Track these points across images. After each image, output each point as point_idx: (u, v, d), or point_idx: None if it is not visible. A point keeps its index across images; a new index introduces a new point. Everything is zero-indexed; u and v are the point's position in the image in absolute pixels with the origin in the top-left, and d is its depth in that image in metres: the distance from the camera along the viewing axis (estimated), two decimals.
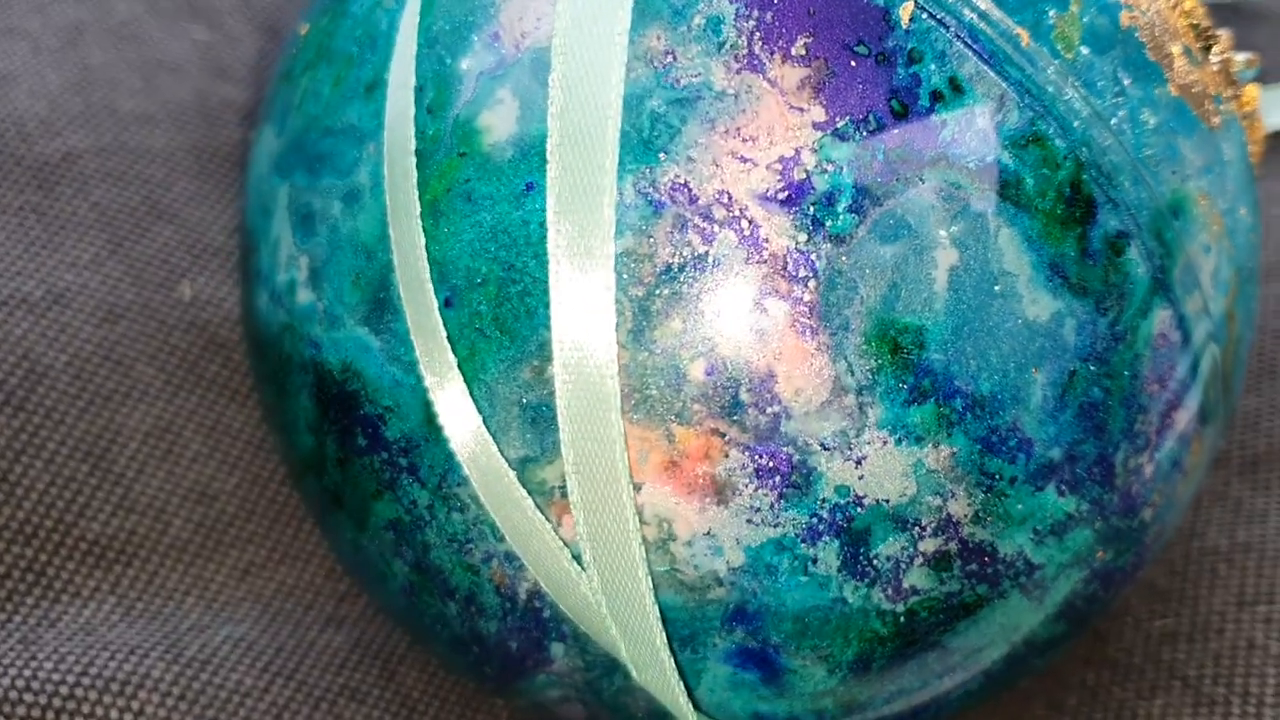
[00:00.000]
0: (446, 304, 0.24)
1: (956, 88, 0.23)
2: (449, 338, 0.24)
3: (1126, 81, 0.25)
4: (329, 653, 0.35)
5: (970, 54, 0.23)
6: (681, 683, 0.24)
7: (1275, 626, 0.32)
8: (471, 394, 0.24)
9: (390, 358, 0.25)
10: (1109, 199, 0.24)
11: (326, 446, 0.27)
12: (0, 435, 0.35)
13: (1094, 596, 0.27)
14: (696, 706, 0.26)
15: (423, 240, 0.23)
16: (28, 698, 0.31)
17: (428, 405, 0.25)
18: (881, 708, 0.28)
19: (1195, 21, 0.26)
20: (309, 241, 0.26)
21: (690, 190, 0.23)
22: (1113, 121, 0.24)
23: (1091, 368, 0.24)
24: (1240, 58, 0.28)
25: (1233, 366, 0.28)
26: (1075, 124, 0.24)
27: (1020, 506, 0.24)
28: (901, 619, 0.25)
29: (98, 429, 0.37)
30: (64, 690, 0.32)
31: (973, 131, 0.23)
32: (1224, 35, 0.27)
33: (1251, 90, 0.28)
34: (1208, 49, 0.27)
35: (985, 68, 0.23)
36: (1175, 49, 0.26)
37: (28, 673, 0.32)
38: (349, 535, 0.28)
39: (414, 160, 0.24)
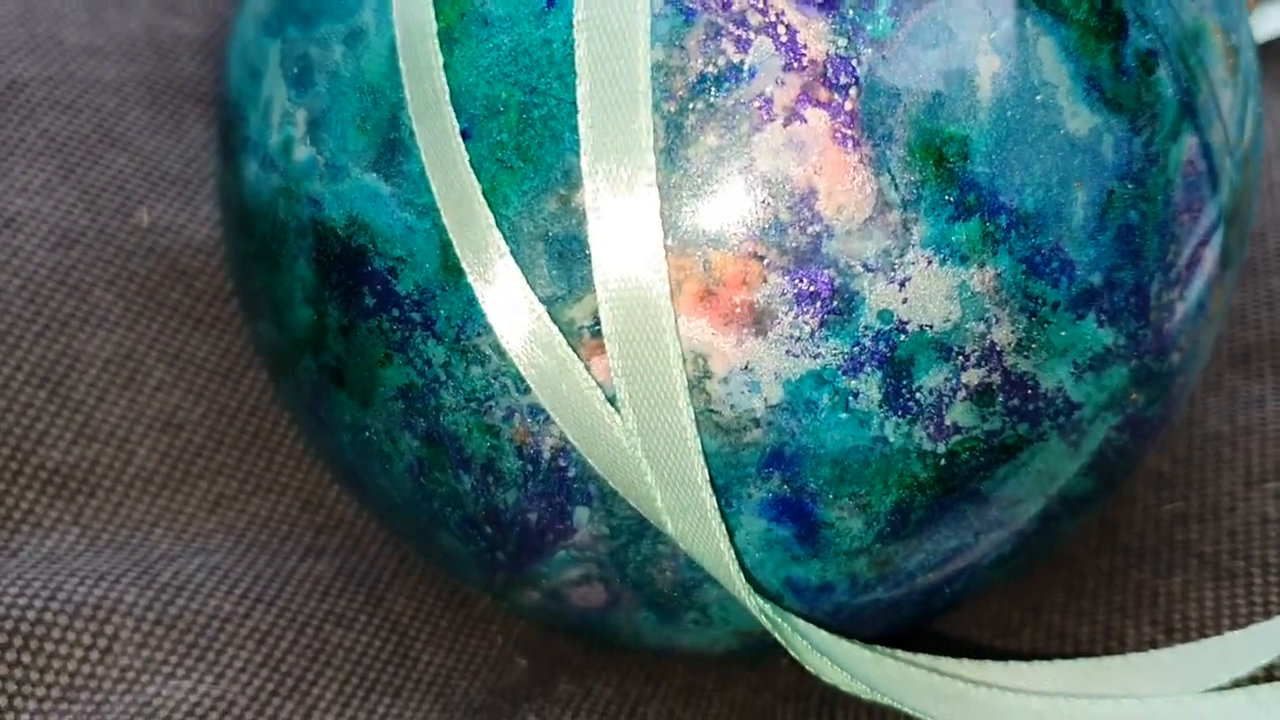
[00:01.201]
0: (464, 136, 0.23)
1: None
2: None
3: None
4: (311, 580, 0.34)
5: None
6: (724, 526, 0.23)
7: None
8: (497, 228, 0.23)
9: (402, 203, 0.24)
10: (1138, 16, 0.23)
11: (328, 316, 0.26)
12: None
13: (1124, 449, 0.27)
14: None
15: (440, 61, 0.22)
16: None
17: (445, 248, 0.23)
18: (916, 576, 0.27)
19: None
20: (306, 94, 0.25)
21: None
22: None
23: (1129, 187, 0.23)
24: None
25: (1246, 214, 0.27)
26: None
27: (1063, 334, 0.24)
28: (942, 461, 0.24)
29: (54, 355, 0.35)
30: (31, 615, 0.30)
31: None
32: None
33: None
34: None
35: None
36: None
37: None
38: (349, 417, 0.27)
39: None
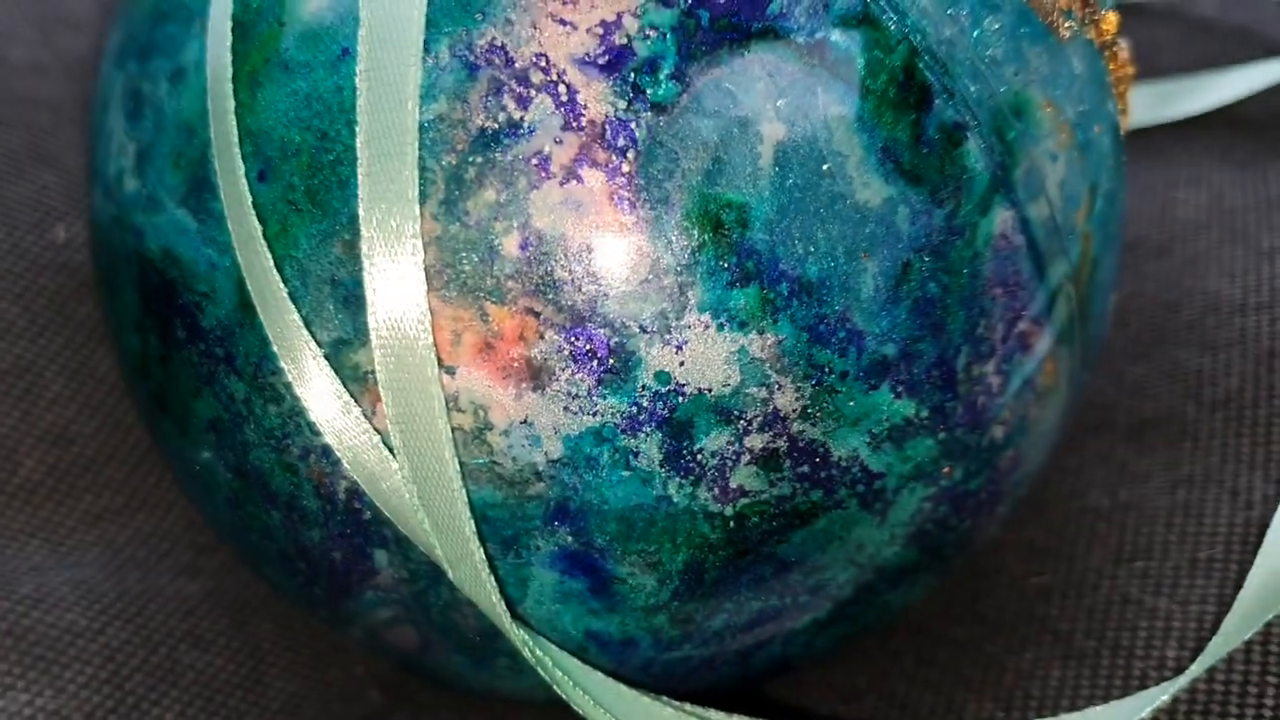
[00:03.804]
0: (260, 177, 0.23)
1: None
2: (263, 212, 0.23)
3: None
4: (177, 600, 0.34)
5: None
6: (492, 576, 0.23)
7: (1151, 582, 0.31)
8: (284, 273, 0.23)
9: (206, 239, 0.24)
10: (945, 89, 0.23)
11: (149, 344, 0.26)
12: None
13: (946, 522, 0.26)
14: (515, 614, 0.24)
15: (231, 104, 0.23)
16: None
17: (242, 286, 0.24)
18: (724, 636, 0.26)
19: None
20: (137, 127, 0.25)
21: (507, 53, 0.22)
22: (951, 13, 0.24)
23: (926, 259, 0.23)
24: None
25: (1089, 288, 0.27)
26: (911, 12, 0.23)
27: (852, 404, 0.23)
28: (731, 523, 0.24)
29: None
30: None
31: (802, 7, 0.22)
32: None
33: (1111, 17, 0.28)
34: None
35: None
36: None
37: None
38: (175, 446, 0.27)
39: (229, 25, 0.23)
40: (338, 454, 0.24)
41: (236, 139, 0.23)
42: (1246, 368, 0.36)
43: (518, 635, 0.24)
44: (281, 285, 0.23)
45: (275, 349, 0.23)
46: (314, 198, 0.23)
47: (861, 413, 0.24)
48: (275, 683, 0.33)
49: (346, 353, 0.23)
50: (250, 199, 0.23)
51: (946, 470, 0.25)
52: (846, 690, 0.31)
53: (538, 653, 0.24)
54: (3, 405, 0.36)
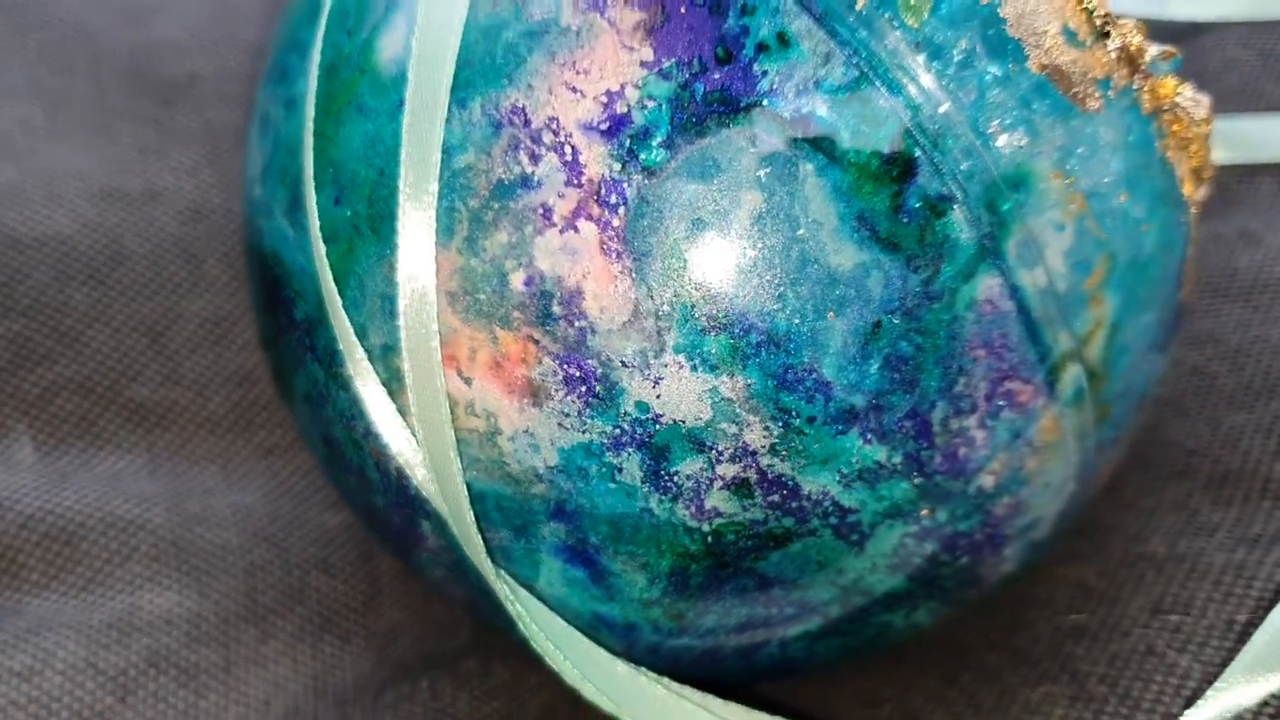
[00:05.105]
0: (335, 201, 0.27)
1: (783, 41, 0.25)
2: (336, 232, 0.27)
3: (979, 54, 0.25)
4: (319, 531, 0.40)
5: (802, 11, 0.24)
6: (490, 564, 0.27)
7: (1181, 636, 0.32)
8: (349, 285, 0.27)
9: (298, 247, 0.29)
10: (933, 163, 0.25)
11: (267, 324, 0.31)
12: (80, 303, 0.41)
13: (937, 558, 0.28)
14: (532, 590, 0.28)
15: (311, 140, 0.27)
16: (49, 519, 0.37)
17: (319, 291, 0.28)
18: (718, 634, 0.29)
19: (1088, 6, 0.27)
20: (263, 142, 0.30)
21: (526, 114, 0.25)
22: (953, 89, 0.25)
23: (898, 321, 0.25)
24: (1154, 49, 0.28)
25: (1106, 351, 0.28)
26: (907, 87, 0.25)
27: (818, 446, 0.26)
28: (709, 538, 0.27)
29: (162, 310, 0.42)
30: (77, 520, 0.37)
31: (792, 83, 0.24)
32: (1128, 23, 0.27)
33: (1169, 83, 0.28)
34: (1104, 34, 0.27)
35: (815, 25, 0.25)
36: (1051, 28, 0.26)
37: (52, 503, 0.37)
38: (290, 406, 0.32)
39: (319, 70, 0.27)
40: (384, 439, 0.28)
41: (311, 170, 0.27)
42: None
43: (515, 610, 0.27)
44: (338, 296, 0.27)
45: (340, 347, 0.28)
46: (373, 224, 0.27)
47: (830, 454, 0.26)
48: (386, 611, 0.38)
49: (391, 357, 0.27)
50: (318, 223, 0.27)
51: (926, 511, 0.27)
52: (868, 696, 0.34)
53: (532, 627, 0.28)
54: (201, 347, 0.43)
